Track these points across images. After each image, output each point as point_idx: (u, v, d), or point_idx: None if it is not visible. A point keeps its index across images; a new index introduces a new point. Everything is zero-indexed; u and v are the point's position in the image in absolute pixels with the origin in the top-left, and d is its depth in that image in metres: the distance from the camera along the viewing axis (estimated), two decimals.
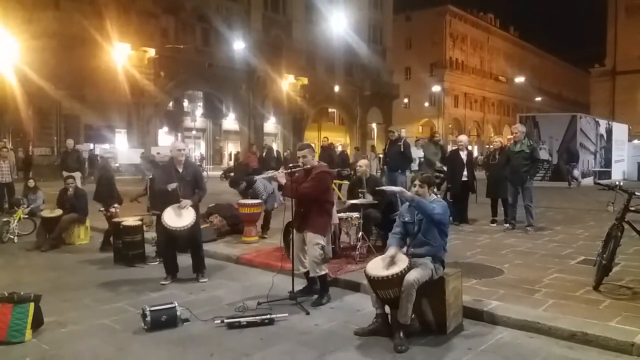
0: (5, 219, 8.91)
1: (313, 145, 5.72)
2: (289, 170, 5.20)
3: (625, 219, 5.22)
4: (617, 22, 45.19)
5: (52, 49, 25.06)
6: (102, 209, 8.17)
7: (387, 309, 4.23)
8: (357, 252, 6.45)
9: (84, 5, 26.89)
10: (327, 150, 14.97)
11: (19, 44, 24.33)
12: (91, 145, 28.60)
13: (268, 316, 4.56)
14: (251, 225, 8.08)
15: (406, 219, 4.39)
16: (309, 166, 5.13)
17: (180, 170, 6.03)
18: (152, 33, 30.35)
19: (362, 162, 7.73)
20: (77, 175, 12.47)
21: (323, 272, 5.08)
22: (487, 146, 17.48)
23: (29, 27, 24.73)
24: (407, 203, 4.40)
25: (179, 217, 5.81)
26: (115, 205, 8.12)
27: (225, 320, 4.49)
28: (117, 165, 25.57)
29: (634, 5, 44.14)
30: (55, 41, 25.20)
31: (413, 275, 3.95)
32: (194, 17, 33.58)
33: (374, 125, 50.11)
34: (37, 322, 4.34)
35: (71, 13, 25.94)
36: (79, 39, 25.75)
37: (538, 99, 65.61)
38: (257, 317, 4.54)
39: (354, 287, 5.52)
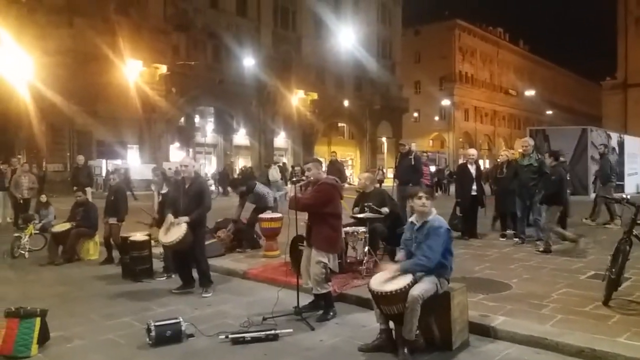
0: (16, 234, 9.01)
1: (321, 159, 5.79)
2: (294, 182, 5.29)
3: (634, 233, 5.15)
4: (627, 34, 44.96)
5: (65, 65, 25.47)
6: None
7: (391, 324, 4.20)
8: (364, 267, 6.41)
9: (97, 23, 27.36)
10: (336, 165, 14.97)
11: (33, 61, 24.71)
12: (103, 162, 28.89)
13: (273, 332, 4.55)
14: (272, 240, 8.08)
15: (407, 236, 4.38)
16: (312, 179, 5.16)
17: (187, 186, 6.12)
18: (164, 50, 30.80)
19: (362, 176, 7.74)
20: (88, 190, 12.61)
21: (325, 291, 5.04)
22: (496, 160, 17.43)
23: (42, 44, 25.15)
24: (409, 220, 4.41)
25: (169, 232, 5.99)
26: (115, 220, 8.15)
27: (230, 336, 4.48)
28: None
29: None
30: (68, 58, 25.63)
31: (417, 290, 3.92)
32: (205, 34, 34.04)
33: (383, 139, 50.12)
34: (43, 337, 4.36)
35: (84, 30, 26.40)
36: (92, 55, 26.17)
37: (549, 112, 65.30)
38: (262, 333, 4.53)
39: (361, 302, 5.47)
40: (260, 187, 8.91)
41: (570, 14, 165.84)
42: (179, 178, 6.50)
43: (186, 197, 6.09)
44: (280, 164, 22.03)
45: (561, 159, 9.01)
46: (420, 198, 4.28)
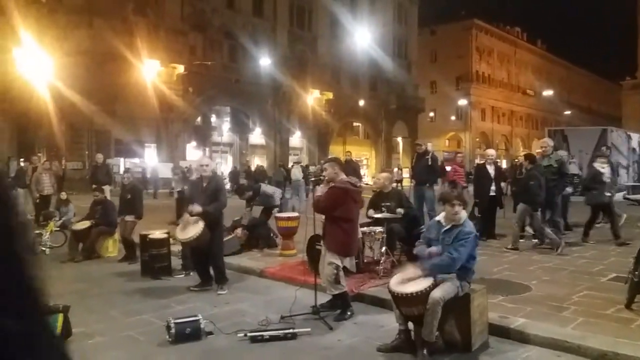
0: (37, 231, 9.15)
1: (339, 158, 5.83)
2: (314, 182, 5.41)
3: None
4: None
5: (84, 65, 25.78)
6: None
7: (410, 325, 4.18)
8: (381, 267, 6.39)
9: (116, 24, 27.66)
10: (352, 164, 14.93)
11: (53, 61, 25.10)
12: (121, 160, 29.22)
13: (291, 330, 4.56)
14: (289, 239, 8.12)
15: (432, 235, 4.35)
16: (326, 177, 5.19)
17: (205, 184, 6.18)
18: (181, 50, 31.01)
19: (381, 176, 7.71)
20: (107, 188, 12.75)
21: (337, 291, 5.03)
22: (514, 160, 17.34)
23: (62, 45, 25.52)
24: (435, 220, 4.39)
25: (187, 230, 6.07)
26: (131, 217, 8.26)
27: (248, 334, 4.51)
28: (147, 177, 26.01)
29: None
30: (87, 58, 25.93)
31: (438, 293, 3.89)
32: (221, 34, 34.22)
33: (399, 139, 49.91)
34: (66, 333, 4.43)
35: (103, 31, 26.68)
36: (111, 56, 26.45)
37: (567, 112, 64.42)
38: (280, 332, 4.54)
39: (378, 302, 5.46)
40: (265, 188, 8.98)
41: (589, 13, 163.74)
42: (196, 176, 6.59)
43: (203, 195, 6.15)
44: (303, 164, 22.08)
45: (570, 159, 8.95)
46: (453, 206, 4.18)
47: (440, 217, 4.40)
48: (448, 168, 11.94)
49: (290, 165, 22.42)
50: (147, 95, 28.60)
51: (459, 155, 9.88)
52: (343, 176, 5.25)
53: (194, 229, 5.99)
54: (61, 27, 26.35)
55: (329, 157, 5.63)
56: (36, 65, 24.86)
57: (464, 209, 4.25)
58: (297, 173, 17.43)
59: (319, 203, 5.07)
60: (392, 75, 45.44)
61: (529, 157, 8.72)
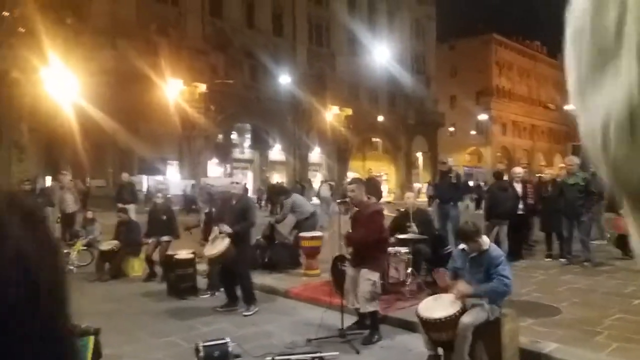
0: (65, 251, 9.29)
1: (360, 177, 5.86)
2: (339, 203, 5.38)
3: None
4: None
5: (108, 85, 26.37)
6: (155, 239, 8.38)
7: (439, 350, 4.13)
8: (407, 289, 6.34)
9: (139, 44, 28.28)
10: (373, 182, 14.92)
11: (79, 81, 25.70)
12: (144, 178, 29.60)
13: (318, 355, 4.54)
14: (312, 258, 8.11)
15: (458, 264, 4.31)
16: (353, 198, 5.19)
17: (234, 202, 6.23)
18: (203, 69, 31.53)
19: (410, 195, 7.68)
20: (132, 207, 12.93)
21: (373, 309, 5.01)
22: (538, 176, 17.23)
23: (88, 65, 26.12)
24: (460, 248, 4.36)
25: (213, 246, 6.12)
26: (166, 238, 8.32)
27: (276, 358, 4.49)
28: (168, 195, 26.31)
29: None
30: (111, 78, 26.52)
31: (468, 318, 3.85)
32: (242, 54, 34.73)
33: (419, 154, 49.70)
34: (97, 355, 4.46)
35: (126, 51, 27.30)
36: (134, 75, 27.00)
37: None
38: (308, 355, 4.52)
39: (405, 325, 5.40)
40: (297, 197, 9.24)
41: None
42: (225, 194, 6.68)
43: (232, 213, 6.19)
44: (332, 182, 23.30)
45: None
46: (475, 242, 4.18)
47: (464, 245, 4.39)
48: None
49: (319, 184, 23.71)
50: (170, 113, 29.07)
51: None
52: (366, 198, 5.27)
53: (219, 245, 6.03)
54: (86, 48, 27.03)
55: (353, 178, 5.66)
56: (62, 84, 25.50)
57: (482, 237, 4.25)
58: (325, 191, 18.36)
59: (362, 237, 5.03)
60: (411, 90, 45.45)
61: (495, 174, 9.61)
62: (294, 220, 9.14)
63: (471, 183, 11.49)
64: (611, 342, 4.64)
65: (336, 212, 6.99)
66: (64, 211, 12.71)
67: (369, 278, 4.95)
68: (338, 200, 6.26)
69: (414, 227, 6.88)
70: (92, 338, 4.38)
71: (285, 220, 9.10)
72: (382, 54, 36.77)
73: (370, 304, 4.97)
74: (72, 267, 8.94)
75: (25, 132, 26.87)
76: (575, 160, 8.79)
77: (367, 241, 4.94)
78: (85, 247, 9.54)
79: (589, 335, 4.86)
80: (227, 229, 6.01)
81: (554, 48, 71.99)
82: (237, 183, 6.43)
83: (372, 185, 13.60)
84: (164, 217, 8.35)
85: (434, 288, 6.42)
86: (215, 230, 6.17)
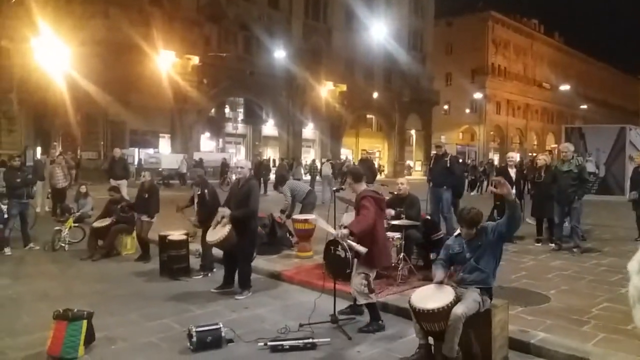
0: (57, 228, 9.26)
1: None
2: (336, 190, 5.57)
3: None
4: None
5: (100, 55, 25.90)
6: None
7: (430, 339, 4.19)
8: (399, 273, 6.39)
9: (132, 14, 27.72)
10: (367, 163, 14.91)
11: (70, 51, 25.20)
12: (136, 151, 29.44)
13: (310, 340, 4.59)
14: (306, 241, 8.13)
15: (455, 250, 4.34)
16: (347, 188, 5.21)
17: (240, 187, 6.23)
18: (196, 41, 31.04)
19: (404, 181, 7.66)
20: (124, 183, 12.88)
21: (368, 301, 5.00)
22: (530, 158, 17.29)
23: (78, 34, 25.57)
24: (455, 233, 4.38)
25: (215, 232, 6.09)
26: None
27: (269, 343, 4.54)
28: (160, 169, 26.22)
29: None
30: (103, 48, 26.03)
31: (460, 309, 3.89)
32: (236, 26, 34.18)
33: (412, 131, 49.67)
34: (89, 338, 4.49)
35: (119, 21, 26.76)
36: (126, 46, 26.54)
37: (583, 106, 63.64)
38: (300, 341, 4.57)
39: (397, 311, 5.46)
40: (293, 182, 9.32)
41: (607, 5, 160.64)
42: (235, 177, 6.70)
43: (236, 197, 6.17)
44: (333, 161, 23.81)
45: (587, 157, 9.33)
46: (470, 227, 4.31)
47: (459, 230, 4.43)
48: None
49: (320, 162, 24.44)
50: (162, 86, 28.74)
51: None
52: (363, 186, 5.20)
53: (221, 231, 6.00)
54: (77, 16, 26.46)
55: (349, 169, 5.59)
56: (53, 54, 25.01)
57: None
58: (326, 169, 19.32)
59: (356, 226, 4.72)
60: (407, 67, 45.12)
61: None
62: (299, 207, 9.19)
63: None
64: (597, 332, 4.73)
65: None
66: (55, 186, 12.65)
67: (360, 271, 4.93)
68: (334, 188, 6.24)
69: (408, 212, 6.91)
70: (85, 322, 4.41)
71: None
72: (379, 30, 36.34)
73: (365, 296, 4.93)
74: (64, 245, 8.95)
75: (15, 102, 26.47)
76: (570, 147, 8.82)
77: (364, 229, 4.77)
78: (76, 224, 9.51)
79: (576, 324, 4.95)
80: (226, 211, 5.98)
81: (551, 26, 71.69)
82: (241, 168, 6.31)
83: (367, 167, 13.60)
84: (146, 195, 8.28)
85: (425, 272, 6.51)
86: (218, 215, 6.11)
